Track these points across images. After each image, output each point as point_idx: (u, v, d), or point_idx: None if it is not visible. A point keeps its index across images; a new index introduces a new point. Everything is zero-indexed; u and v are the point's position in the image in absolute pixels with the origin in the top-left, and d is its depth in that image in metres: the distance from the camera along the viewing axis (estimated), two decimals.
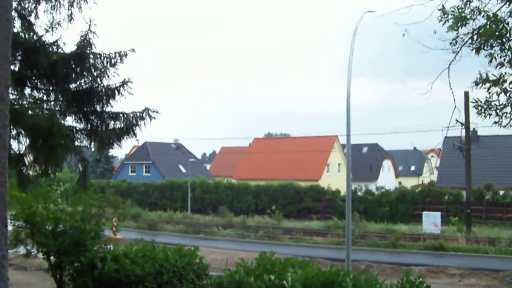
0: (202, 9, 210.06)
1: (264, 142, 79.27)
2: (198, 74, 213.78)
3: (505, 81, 8.99)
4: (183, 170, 71.40)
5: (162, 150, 76.21)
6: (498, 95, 8.98)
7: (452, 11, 9.10)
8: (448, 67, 9.60)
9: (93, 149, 14.10)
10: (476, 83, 9.14)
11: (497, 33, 8.75)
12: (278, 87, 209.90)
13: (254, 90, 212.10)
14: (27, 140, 11.87)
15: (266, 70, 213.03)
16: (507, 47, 8.86)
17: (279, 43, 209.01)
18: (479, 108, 9.07)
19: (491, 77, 8.98)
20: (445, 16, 9.11)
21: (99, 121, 12.39)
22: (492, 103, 9.00)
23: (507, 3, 8.73)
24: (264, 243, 33.49)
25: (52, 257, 10.74)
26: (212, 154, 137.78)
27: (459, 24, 9.02)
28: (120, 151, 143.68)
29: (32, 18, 11.72)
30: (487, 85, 9.03)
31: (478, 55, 9.00)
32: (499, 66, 9.03)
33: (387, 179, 78.52)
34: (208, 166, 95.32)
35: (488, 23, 8.78)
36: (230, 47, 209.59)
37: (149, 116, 12.35)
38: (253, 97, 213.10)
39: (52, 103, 12.25)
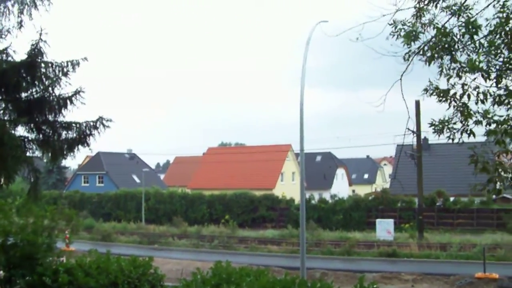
0: (157, 18, 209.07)
1: (218, 151, 79.10)
2: (153, 84, 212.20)
3: (455, 94, 9.19)
4: (137, 180, 70.56)
5: (115, 160, 75.19)
6: (449, 104, 9.17)
7: (403, 24, 9.27)
8: (401, 78, 9.77)
9: (45, 160, 13.80)
10: (426, 90, 9.33)
11: (446, 46, 8.95)
12: (233, 98, 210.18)
13: (209, 101, 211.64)
14: None
15: (221, 80, 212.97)
16: (456, 59, 9.06)
17: (234, 52, 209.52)
18: (435, 128, 9.25)
19: (441, 86, 9.18)
20: (396, 30, 9.29)
21: (51, 131, 12.18)
22: (445, 120, 9.19)
23: (455, 16, 8.95)
24: (219, 252, 33.42)
25: (1, 272, 10.47)
26: (166, 164, 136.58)
27: (410, 39, 9.20)
28: (73, 161, 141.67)
29: None
30: (435, 95, 9.22)
31: (429, 65, 9.18)
32: (447, 77, 9.22)
33: (341, 187, 79.45)
34: (162, 176, 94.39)
35: (438, 35, 8.97)
36: (185, 57, 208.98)
37: (103, 125, 12.22)
38: (208, 108, 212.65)
39: (1, 112, 12.00)
